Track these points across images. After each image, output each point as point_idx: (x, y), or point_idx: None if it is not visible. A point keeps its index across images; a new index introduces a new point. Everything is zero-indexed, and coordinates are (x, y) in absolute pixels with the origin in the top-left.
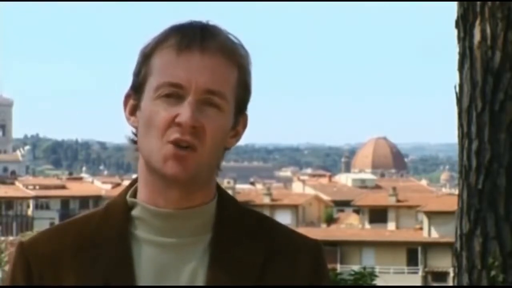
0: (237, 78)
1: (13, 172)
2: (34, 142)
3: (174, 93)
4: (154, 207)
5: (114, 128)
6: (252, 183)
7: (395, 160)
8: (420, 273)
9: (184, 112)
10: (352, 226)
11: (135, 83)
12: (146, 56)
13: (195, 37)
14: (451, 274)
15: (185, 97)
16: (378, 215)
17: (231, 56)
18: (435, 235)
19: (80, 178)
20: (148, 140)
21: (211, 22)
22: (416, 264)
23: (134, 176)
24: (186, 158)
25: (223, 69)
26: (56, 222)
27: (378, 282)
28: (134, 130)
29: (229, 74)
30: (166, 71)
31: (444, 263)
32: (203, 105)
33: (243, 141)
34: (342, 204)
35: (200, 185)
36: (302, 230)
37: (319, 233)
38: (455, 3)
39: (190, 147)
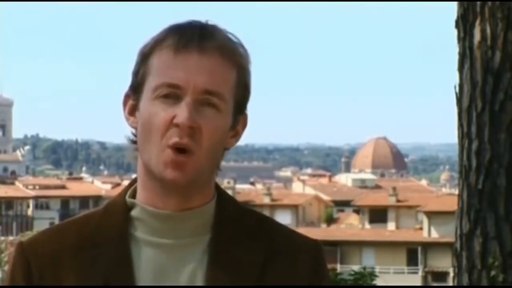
0: (236, 78)
1: (13, 172)
2: (34, 142)
3: (172, 94)
4: (153, 208)
5: (114, 128)
6: (252, 183)
7: (395, 160)
8: (420, 273)
9: (181, 112)
10: (352, 226)
11: (134, 83)
12: (145, 56)
13: (193, 37)
14: (451, 274)
15: (183, 97)
16: (378, 215)
17: (230, 56)
18: (435, 235)
19: (80, 178)
20: (147, 144)
21: (210, 22)
22: (416, 264)
23: (134, 176)
24: (185, 163)
25: (221, 69)
26: (56, 222)
27: (378, 282)
28: (133, 130)
29: (228, 74)
30: (164, 71)
31: (444, 263)
32: (201, 106)
33: (243, 141)
34: (342, 204)
35: (199, 186)
36: (302, 230)
37: (319, 233)
38: (455, 3)
39: (188, 150)
